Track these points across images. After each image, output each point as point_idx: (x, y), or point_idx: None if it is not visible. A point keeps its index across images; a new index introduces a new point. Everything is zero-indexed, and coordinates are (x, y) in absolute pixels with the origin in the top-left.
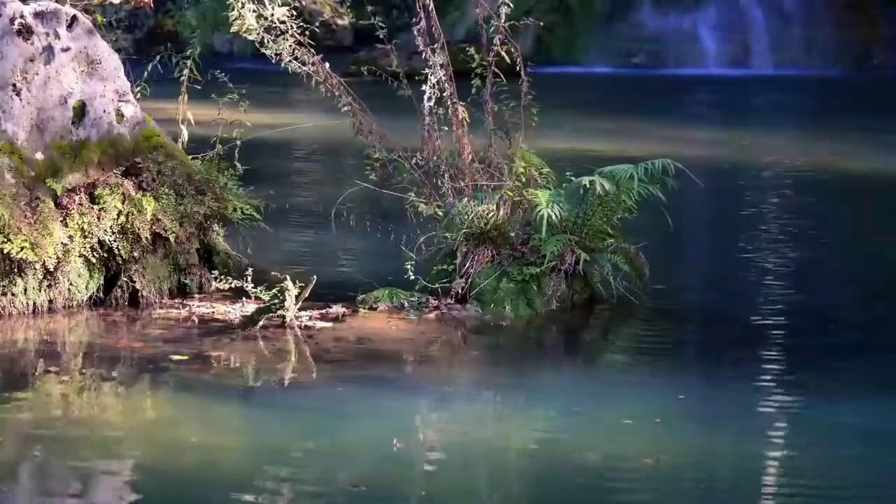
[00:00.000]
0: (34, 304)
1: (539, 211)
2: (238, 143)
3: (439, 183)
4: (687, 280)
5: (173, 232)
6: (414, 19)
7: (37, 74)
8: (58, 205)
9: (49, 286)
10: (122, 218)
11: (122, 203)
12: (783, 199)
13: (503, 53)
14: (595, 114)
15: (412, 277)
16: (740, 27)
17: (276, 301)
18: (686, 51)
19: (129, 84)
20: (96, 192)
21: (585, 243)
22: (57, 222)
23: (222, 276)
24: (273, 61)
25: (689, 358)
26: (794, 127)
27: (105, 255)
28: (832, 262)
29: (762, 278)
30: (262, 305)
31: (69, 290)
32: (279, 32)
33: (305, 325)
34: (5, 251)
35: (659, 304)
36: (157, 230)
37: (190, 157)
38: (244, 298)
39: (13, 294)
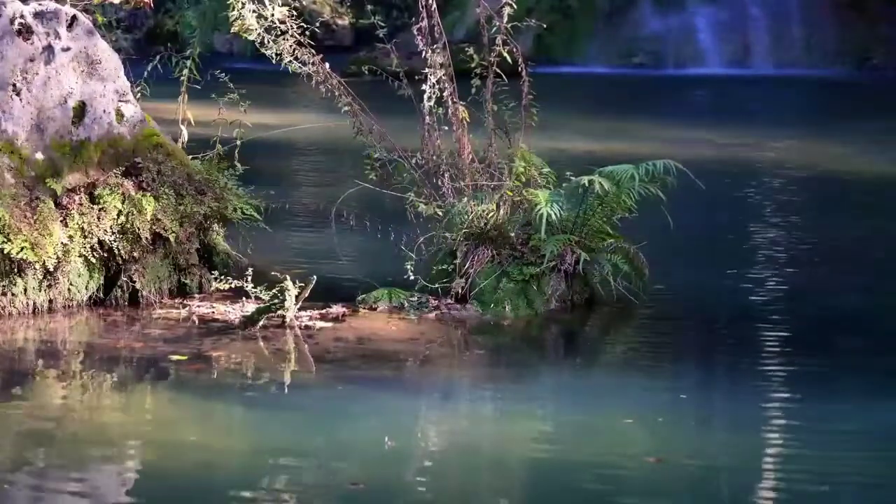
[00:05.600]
0: (34, 304)
1: (539, 211)
2: (238, 143)
3: (439, 183)
4: (687, 280)
5: (173, 232)
6: (415, 18)
7: (37, 74)
8: (58, 205)
9: (49, 286)
10: (122, 218)
11: (122, 203)
12: (783, 199)
13: (505, 53)
14: (595, 114)
15: (412, 277)
16: (740, 27)
17: (276, 301)
18: (686, 51)
19: (129, 84)
20: (96, 192)
21: (585, 243)
22: (57, 222)
23: (222, 276)
24: (273, 61)
25: (689, 357)
26: (794, 127)
27: (105, 255)
28: (832, 262)
29: (762, 277)
30: (262, 305)
31: (69, 290)
32: (279, 32)
33: (305, 325)
34: (5, 251)
35: (659, 303)
36: (157, 230)
37: (190, 157)
38: (244, 298)
39: (13, 294)
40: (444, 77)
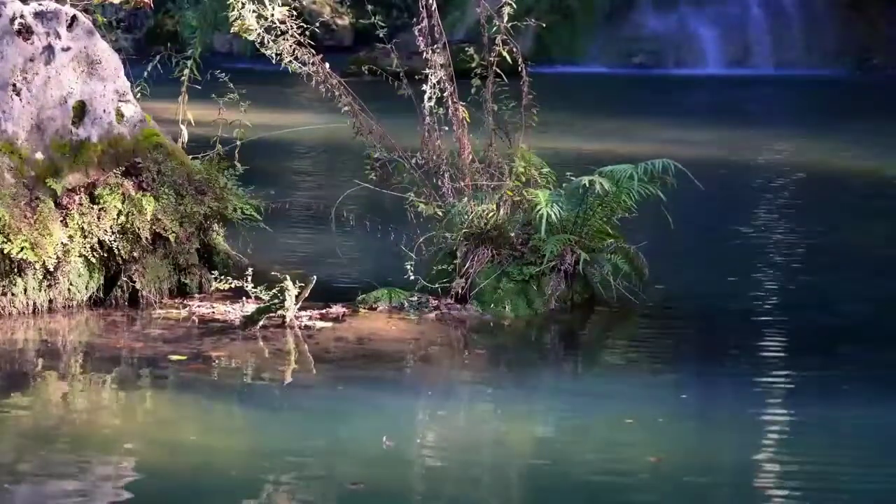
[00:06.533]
0: (34, 304)
1: (539, 211)
2: (238, 143)
3: (439, 183)
4: (686, 280)
5: (173, 232)
6: (415, 19)
7: (37, 74)
8: (58, 205)
9: (49, 286)
10: (122, 218)
11: (122, 203)
12: (783, 199)
13: (505, 53)
14: (595, 114)
15: (412, 277)
16: (740, 27)
17: (276, 301)
18: (686, 51)
19: (129, 84)
20: (96, 192)
21: (585, 243)
22: (57, 222)
23: (222, 276)
24: (273, 61)
25: (689, 357)
26: (794, 127)
27: (105, 255)
28: (832, 261)
29: (762, 278)
30: (262, 305)
31: (69, 290)
32: (279, 32)
33: (305, 325)
34: (5, 251)
35: (659, 304)
36: (157, 230)
37: (190, 157)
38: (244, 298)
39: (13, 294)
40: (444, 77)
